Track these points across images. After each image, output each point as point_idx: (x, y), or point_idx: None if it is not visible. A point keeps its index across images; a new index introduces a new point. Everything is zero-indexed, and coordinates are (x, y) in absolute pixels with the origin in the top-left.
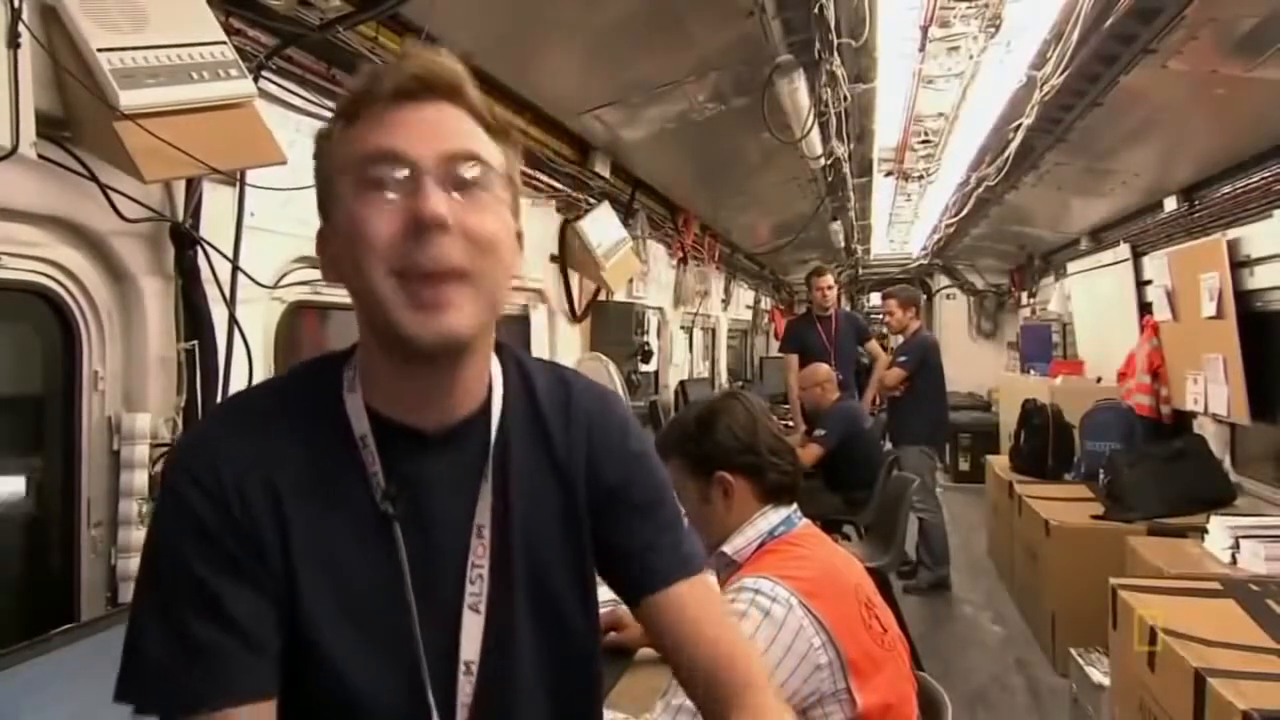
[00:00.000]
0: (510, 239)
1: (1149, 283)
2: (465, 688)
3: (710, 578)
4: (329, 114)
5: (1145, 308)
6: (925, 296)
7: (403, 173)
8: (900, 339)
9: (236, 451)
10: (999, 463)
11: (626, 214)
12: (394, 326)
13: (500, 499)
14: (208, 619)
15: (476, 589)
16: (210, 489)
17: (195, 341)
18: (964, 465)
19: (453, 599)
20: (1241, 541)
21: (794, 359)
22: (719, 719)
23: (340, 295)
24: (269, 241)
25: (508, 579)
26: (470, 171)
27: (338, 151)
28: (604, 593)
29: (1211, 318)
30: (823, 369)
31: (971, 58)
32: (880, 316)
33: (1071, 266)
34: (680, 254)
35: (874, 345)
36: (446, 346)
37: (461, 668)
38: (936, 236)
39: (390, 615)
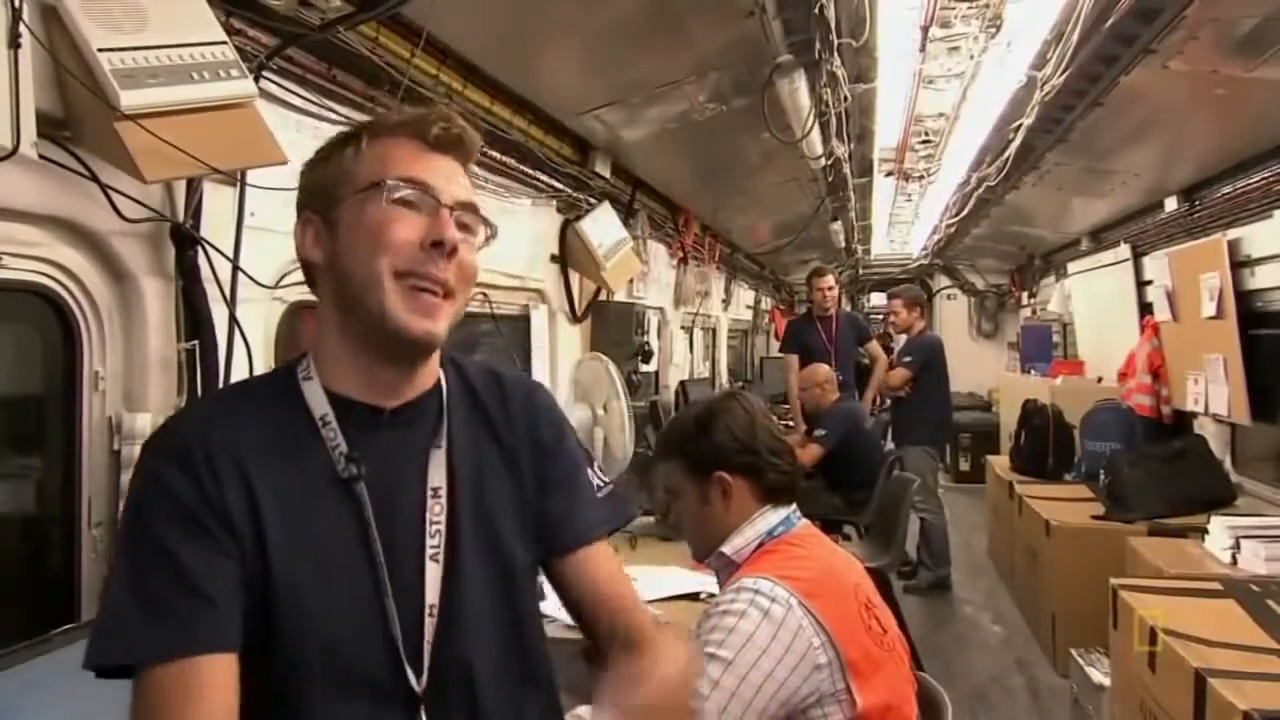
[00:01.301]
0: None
1: (1149, 283)
2: (429, 628)
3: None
4: (331, 114)
5: (1145, 308)
6: (926, 297)
7: (430, 201)
8: (904, 339)
9: (205, 433)
10: (999, 463)
11: (627, 214)
12: (387, 317)
13: (449, 464)
14: (167, 576)
15: (435, 541)
16: (180, 460)
17: (195, 341)
18: (964, 465)
19: (414, 553)
20: (1242, 542)
21: (794, 359)
22: (612, 653)
23: None
24: (269, 241)
25: (460, 531)
26: (471, 219)
27: (363, 164)
28: None
29: (1212, 318)
30: (823, 369)
31: (972, 58)
32: (880, 317)
33: (1072, 267)
34: (680, 254)
35: (874, 346)
36: (426, 344)
37: (426, 610)
38: (937, 237)
39: (361, 570)
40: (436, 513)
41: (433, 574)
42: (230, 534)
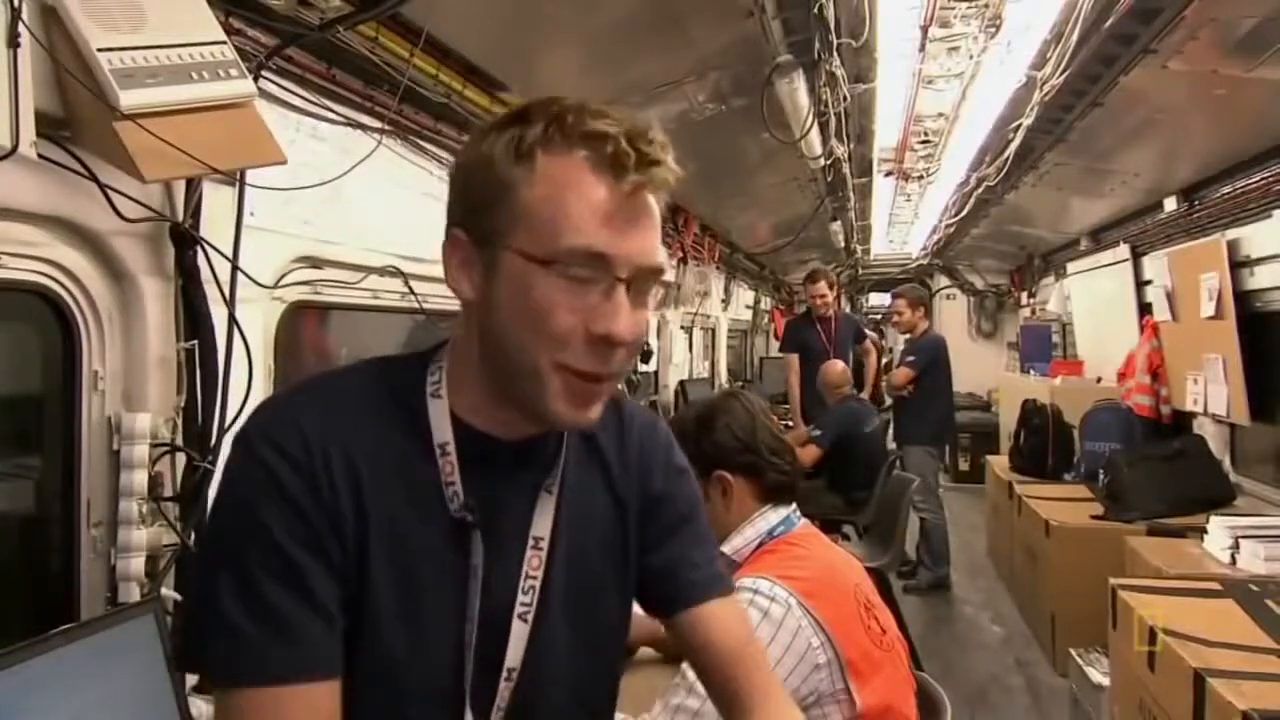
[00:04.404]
0: None
1: (1149, 283)
2: (504, 692)
3: (737, 598)
4: (331, 114)
5: (1145, 308)
6: (929, 295)
7: (606, 280)
8: (906, 338)
9: (320, 427)
10: (999, 463)
11: None
12: (541, 405)
13: (556, 513)
14: (289, 589)
15: (527, 599)
16: (298, 459)
17: (195, 341)
18: (964, 465)
19: (504, 606)
20: (1241, 542)
21: (794, 359)
22: None
23: (340, 296)
24: (269, 241)
25: (553, 591)
26: (654, 287)
27: (535, 191)
28: None
29: (1211, 318)
30: (835, 367)
31: (971, 58)
32: (879, 316)
33: (1071, 267)
34: (680, 254)
35: (868, 344)
36: (579, 429)
37: (504, 674)
38: (936, 237)
39: (449, 618)
40: (535, 566)
41: (518, 634)
42: (340, 547)
